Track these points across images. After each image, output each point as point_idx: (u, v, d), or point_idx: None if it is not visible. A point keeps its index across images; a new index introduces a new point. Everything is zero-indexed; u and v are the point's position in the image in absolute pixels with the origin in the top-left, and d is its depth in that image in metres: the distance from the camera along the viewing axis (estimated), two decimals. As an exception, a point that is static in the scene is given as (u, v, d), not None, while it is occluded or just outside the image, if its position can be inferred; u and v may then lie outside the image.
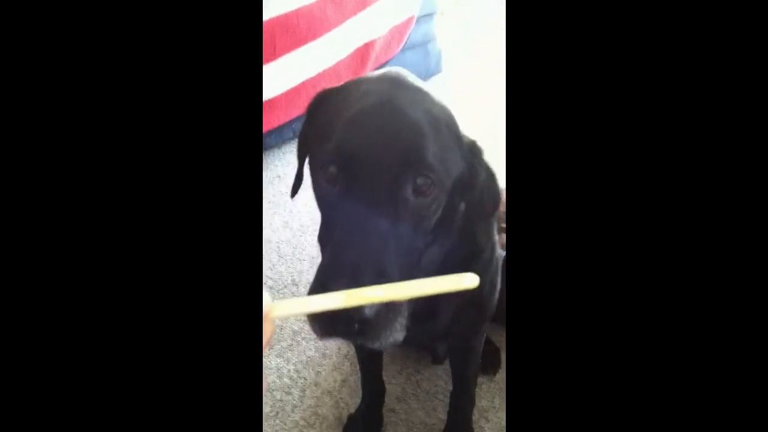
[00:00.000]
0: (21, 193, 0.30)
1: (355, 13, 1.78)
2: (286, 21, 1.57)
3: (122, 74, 0.32)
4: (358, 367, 0.98)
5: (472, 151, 0.58)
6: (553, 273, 0.33)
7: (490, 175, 0.61)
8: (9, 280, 0.30)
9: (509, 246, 0.35)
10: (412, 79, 0.59)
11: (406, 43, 2.07)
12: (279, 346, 1.15)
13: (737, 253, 0.31)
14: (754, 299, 0.30)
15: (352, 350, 1.09)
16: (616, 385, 0.32)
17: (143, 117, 0.32)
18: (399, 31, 1.99)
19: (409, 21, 2.01)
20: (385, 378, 0.99)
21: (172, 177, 0.32)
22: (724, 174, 0.31)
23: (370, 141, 0.51)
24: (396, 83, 0.56)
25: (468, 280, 0.37)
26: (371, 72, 0.62)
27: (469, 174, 0.57)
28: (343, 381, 1.07)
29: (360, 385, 0.99)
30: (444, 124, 0.55)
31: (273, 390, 1.06)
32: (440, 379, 1.06)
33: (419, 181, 0.51)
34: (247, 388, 0.32)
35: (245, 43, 0.34)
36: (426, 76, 2.28)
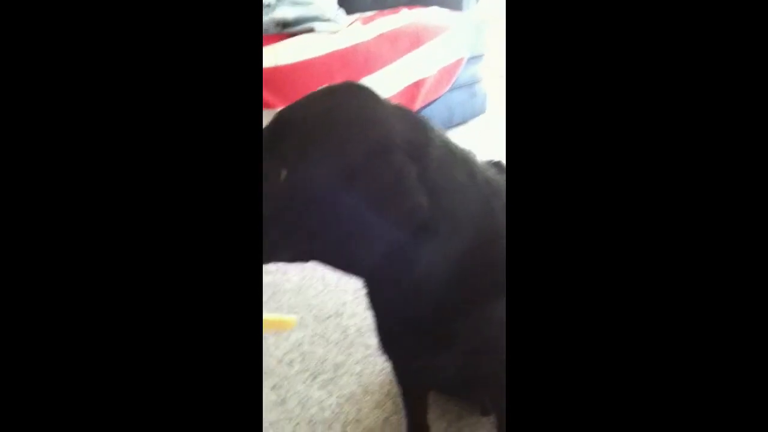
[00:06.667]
0: (18, 199, 0.31)
1: (408, 51, 1.82)
2: (345, 55, 1.62)
3: (125, 105, 0.33)
4: (400, 406, 0.96)
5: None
6: (555, 306, 0.32)
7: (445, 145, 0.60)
8: (4, 281, 0.30)
9: (509, 275, 0.34)
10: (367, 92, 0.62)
11: (453, 83, 2.11)
12: (321, 378, 1.13)
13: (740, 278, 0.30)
14: (756, 311, 0.30)
15: (395, 389, 1.07)
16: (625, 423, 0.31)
17: (149, 141, 0.33)
18: (448, 71, 2.03)
19: (458, 62, 2.06)
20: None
21: (177, 207, 0.33)
22: (730, 207, 0.30)
23: None
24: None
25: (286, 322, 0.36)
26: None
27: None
28: (386, 419, 1.05)
29: (402, 426, 0.96)
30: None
31: (314, 422, 1.04)
32: (483, 428, 1.03)
33: None
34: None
35: (245, 86, 0.35)
36: (471, 115, 2.31)
